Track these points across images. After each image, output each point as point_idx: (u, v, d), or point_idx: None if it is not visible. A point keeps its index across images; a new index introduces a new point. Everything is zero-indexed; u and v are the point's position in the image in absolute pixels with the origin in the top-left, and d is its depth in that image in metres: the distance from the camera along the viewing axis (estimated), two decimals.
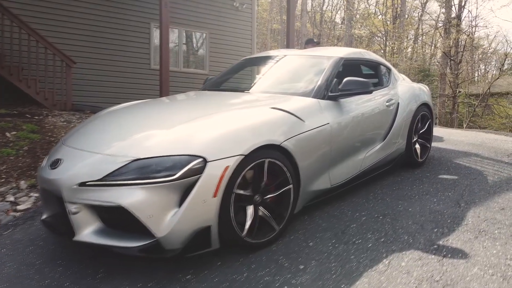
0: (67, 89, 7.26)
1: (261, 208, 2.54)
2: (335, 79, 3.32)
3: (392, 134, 3.83)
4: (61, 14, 7.89)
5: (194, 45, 10.05)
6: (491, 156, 5.15)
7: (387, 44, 18.55)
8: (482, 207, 3.19)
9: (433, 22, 21.94)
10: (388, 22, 24.02)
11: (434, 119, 4.68)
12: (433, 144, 5.76)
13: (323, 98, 3.15)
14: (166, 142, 2.33)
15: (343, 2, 29.19)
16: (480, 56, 25.95)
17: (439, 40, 20.95)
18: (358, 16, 28.07)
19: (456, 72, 16.33)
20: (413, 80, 21.47)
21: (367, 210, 3.13)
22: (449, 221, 2.90)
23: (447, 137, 6.82)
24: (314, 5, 34.34)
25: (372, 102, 3.61)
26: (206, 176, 2.21)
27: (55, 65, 7.10)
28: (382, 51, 20.94)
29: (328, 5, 34.35)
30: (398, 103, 4.00)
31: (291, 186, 2.66)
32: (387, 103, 3.79)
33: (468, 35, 16.66)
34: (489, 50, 25.02)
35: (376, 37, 23.87)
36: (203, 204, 2.21)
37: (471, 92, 19.96)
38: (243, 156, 2.34)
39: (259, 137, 2.47)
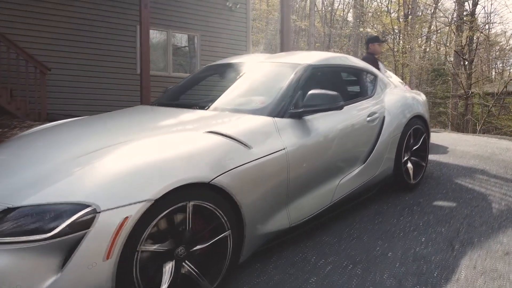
0: (41, 98, 6.80)
1: (186, 263, 1.97)
2: (300, 92, 2.73)
3: (375, 155, 3.22)
4: (34, 18, 7.40)
5: (185, 48, 9.52)
6: (500, 173, 4.47)
7: (396, 43, 17.72)
8: (481, 250, 2.56)
9: (446, 19, 21.00)
10: (401, 20, 23.15)
11: (430, 132, 4.03)
12: (435, 157, 5.10)
13: (281, 116, 2.56)
14: (48, 184, 1.78)
15: (353, 0, 28.38)
16: (498, 53, 24.88)
17: (452, 38, 20.04)
18: (370, 14, 27.22)
19: (469, 71, 15.44)
20: (425, 81, 20.58)
21: (336, 255, 2.52)
22: (435, 273, 2.28)
23: (453, 147, 6.13)
24: (326, 3, 33.64)
25: (348, 117, 3.00)
26: (95, 231, 1.65)
27: (28, 72, 6.64)
28: (392, 51, 20.10)
29: (339, 4, 33.56)
30: (384, 116, 3.37)
31: (228, 232, 2.09)
32: (368, 118, 3.17)
33: (481, 32, 15.75)
34: (507, 47, 23.96)
35: (386, 36, 22.99)
36: (91, 269, 1.65)
37: (487, 91, 19.02)
38: (151, 202, 1.77)
39: (179, 174, 1.90)
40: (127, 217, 1.71)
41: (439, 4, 23.84)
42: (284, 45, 8.30)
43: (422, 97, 4.08)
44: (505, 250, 2.56)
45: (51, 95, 7.15)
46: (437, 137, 7.88)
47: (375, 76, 3.63)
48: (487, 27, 21.34)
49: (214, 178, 2.01)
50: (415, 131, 3.70)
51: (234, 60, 3.46)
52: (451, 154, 5.52)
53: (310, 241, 2.71)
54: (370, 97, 3.43)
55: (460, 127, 16.62)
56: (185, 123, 2.55)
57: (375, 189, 3.38)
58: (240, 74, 3.20)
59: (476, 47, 15.50)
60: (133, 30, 8.43)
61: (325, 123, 2.78)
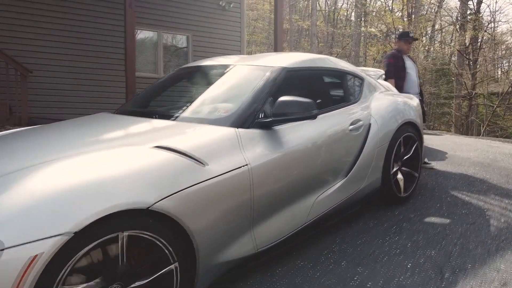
0: (22, 101, 6.53)
1: None
2: (270, 99, 2.42)
3: (359, 167, 2.90)
4: (14, 18, 7.10)
5: (176, 48, 9.23)
6: (501, 183, 4.13)
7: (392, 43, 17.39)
8: (474, 279, 2.24)
9: (450, 18, 20.57)
10: (405, 19, 22.71)
11: (423, 140, 3.70)
12: (432, 164, 4.77)
13: (247, 127, 2.26)
14: None
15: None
16: (504, 52, 24.37)
17: (456, 37, 19.60)
18: (373, 13, 26.76)
19: (472, 71, 15.02)
20: (429, 81, 20.14)
21: (308, 286, 2.21)
22: None
23: (452, 153, 5.79)
24: (329, 3, 33.31)
25: (326, 127, 2.68)
26: None
27: (8, 74, 6.37)
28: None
29: (343, 3, 33.11)
30: (370, 124, 3.06)
31: (174, 266, 1.79)
32: (351, 127, 2.86)
33: (485, 31, 15.32)
34: None
35: (385, 35, 22.58)
36: None
37: (492, 91, 18.57)
38: (70, 236, 1.48)
39: (110, 200, 1.60)
40: (36, 255, 1.41)
41: (443, 3, 23.40)
42: (278, 46, 8.00)
43: (414, 101, 3.75)
44: (502, 279, 2.23)
45: (33, 98, 6.88)
46: (438, 140, 7.54)
47: (361, 79, 3.31)
48: (492, 26, 20.88)
49: (155, 203, 1.70)
50: (406, 139, 3.37)
51: (204, 62, 3.15)
52: (449, 161, 5.19)
53: (281, 266, 2.40)
54: (355, 102, 3.11)
55: (464, 128, 16.21)
56: (135, 136, 2.25)
57: (358, 206, 3.07)
58: (208, 79, 2.90)
59: (480, 46, 15.06)
60: (121, 31, 8.14)
61: (299, 134, 2.47)
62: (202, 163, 1.95)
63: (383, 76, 7.18)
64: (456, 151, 6.03)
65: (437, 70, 20.71)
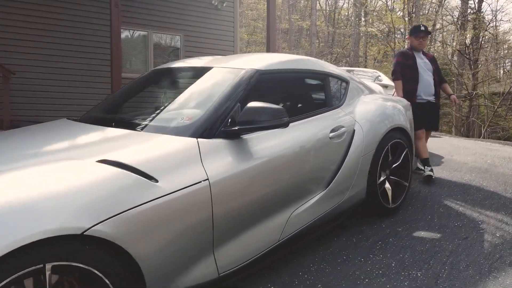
0: (4, 104, 6.32)
1: None
2: (238, 105, 2.20)
3: (341, 177, 2.67)
4: None
5: (167, 49, 9.01)
6: (498, 191, 3.89)
7: (397, 42, 17.05)
8: None
9: (451, 18, 20.28)
10: (406, 19, 22.42)
11: (414, 146, 3.46)
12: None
13: (210, 136, 2.03)
14: None
15: None
16: (506, 52, 24.06)
17: (457, 37, 19.33)
18: (375, 13, 26.47)
19: (472, 71, 14.74)
20: None
21: None
22: None
23: (449, 157, 5.55)
24: (330, 2, 33.11)
25: (303, 135, 2.44)
26: None
27: None
28: (393, 51, 19.42)
29: (344, 2, 32.83)
30: (354, 130, 2.83)
31: None
32: (332, 134, 2.62)
33: (485, 30, 15.04)
34: None
35: (385, 35, 22.31)
36: None
37: (494, 91, 18.27)
38: None
39: (32, 225, 1.37)
40: None
41: (445, 2, 23.10)
42: (271, 45, 7.77)
43: (404, 105, 3.51)
44: None
45: (15, 100, 6.66)
46: (436, 143, 7.29)
47: (346, 82, 3.08)
48: (493, 25, 20.60)
49: (91, 227, 1.48)
50: (395, 146, 3.14)
51: (175, 64, 2.92)
52: (445, 166, 4.94)
53: None
54: (338, 107, 2.88)
55: (464, 130, 15.93)
56: (82, 147, 2.02)
57: (341, 219, 2.84)
58: (177, 82, 2.68)
59: (480, 46, 14.79)
60: (107, 30, 7.93)
61: (272, 143, 2.24)
62: (152, 179, 1.73)
63: (379, 77, 6.95)
64: (453, 155, 5.79)
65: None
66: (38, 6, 7.19)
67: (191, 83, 2.55)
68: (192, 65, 2.77)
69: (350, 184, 2.76)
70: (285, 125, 2.11)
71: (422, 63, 4.15)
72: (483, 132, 15.36)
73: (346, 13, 31.54)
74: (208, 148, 1.98)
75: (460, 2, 17.18)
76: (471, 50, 15.14)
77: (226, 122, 2.11)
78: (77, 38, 7.51)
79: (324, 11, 33.79)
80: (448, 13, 19.87)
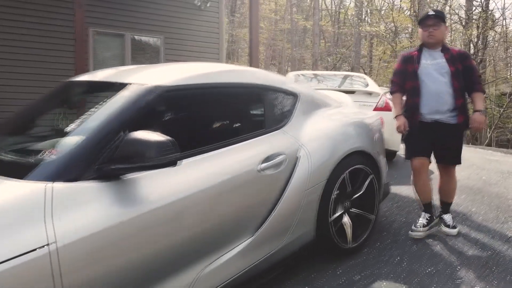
0: None
1: None
2: (121, 135, 1.68)
3: (276, 218, 2.13)
4: None
5: (147, 52, 8.52)
6: (488, 220, 3.32)
7: (398, 42, 16.36)
8: None
9: (457, 17, 19.50)
10: (413, 18, 21.69)
11: (383, 171, 2.90)
12: (408, 191, 3.97)
13: (74, 178, 1.52)
14: None
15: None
16: None
17: (459, 36, 18.59)
18: (383, 11, 25.70)
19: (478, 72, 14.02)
20: None
21: None
22: None
23: None
24: (336, 2, 32.56)
25: (220, 167, 1.91)
26: None
27: None
28: (395, 52, 18.74)
29: (350, 2, 32.13)
30: (298, 157, 2.29)
31: None
32: (263, 165, 2.08)
33: (491, 28, 14.32)
34: None
35: (393, 34, 21.58)
36: None
37: (503, 91, 17.47)
38: None
39: None
40: None
41: (452, 1, 22.28)
42: (253, 53, 7.27)
43: (371, 122, 2.96)
44: None
45: None
46: None
47: (295, 96, 2.53)
48: (502, 24, 19.79)
49: None
50: (355, 173, 2.59)
51: (81, 77, 2.39)
52: (434, 185, 4.36)
53: None
54: (279, 128, 2.33)
55: (470, 134, 15.18)
56: None
57: (281, 268, 2.30)
58: (71, 100, 2.17)
59: (485, 46, 14.08)
60: (85, 34, 7.46)
61: (169, 183, 1.71)
62: None
63: (365, 81, 6.32)
64: None
65: None
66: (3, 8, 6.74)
67: (85, 103, 2.04)
68: (93, 79, 2.25)
69: (291, 225, 2.23)
70: (171, 164, 1.58)
71: (432, 65, 2.90)
72: (488, 136, 14.62)
73: (352, 13, 30.83)
74: (63, 197, 1.46)
75: (465, 0, 16.45)
76: (476, 50, 14.41)
77: (101, 158, 1.60)
78: (38, 41, 7.00)
79: (330, 11, 33.22)
80: (454, 12, 19.10)
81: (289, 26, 29.48)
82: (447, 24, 21.21)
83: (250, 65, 7.19)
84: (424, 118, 2.92)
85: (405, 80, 2.99)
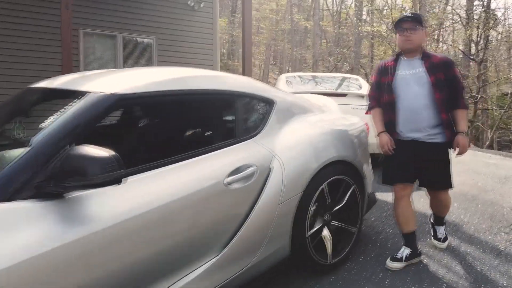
0: None
1: None
2: (67, 148, 1.54)
3: (245, 234, 1.98)
4: None
5: (139, 53, 8.39)
6: (480, 231, 3.17)
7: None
8: None
9: (458, 17, 19.28)
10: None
11: (367, 181, 2.75)
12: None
13: (8, 198, 1.38)
14: None
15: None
16: None
17: (458, 36, 18.36)
18: (385, 11, 25.48)
19: (478, 73, 13.79)
20: None
21: None
22: None
23: None
24: (337, 2, 32.42)
25: (181, 181, 1.77)
26: None
27: None
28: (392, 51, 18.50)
29: (352, 2, 31.95)
30: (271, 168, 2.14)
31: None
32: (230, 178, 1.93)
33: (491, 28, 14.09)
34: None
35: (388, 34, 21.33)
36: None
37: (505, 92, 17.23)
38: None
39: None
40: None
41: (454, 0, 22.04)
42: (246, 55, 7.12)
43: (354, 129, 2.80)
44: None
45: None
46: None
47: (270, 103, 2.37)
48: (504, 24, 19.53)
49: None
50: (335, 184, 2.44)
51: (40, 84, 2.25)
52: (424, 193, 4.21)
53: None
54: (251, 138, 2.18)
55: (471, 136, 14.97)
56: None
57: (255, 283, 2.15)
58: (28, 109, 2.03)
59: (485, 46, 13.85)
60: (75, 35, 7.34)
61: (122, 201, 1.57)
62: None
63: (358, 83, 6.14)
64: None
65: None
66: None
67: (41, 111, 1.90)
68: (51, 86, 2.10)
69: (263, 241, 2.08)
70: (115, 182, 1.43)
71: (410, 76, 2.53)
72: (489, 137, 14.41)
73: (352, 13, 30.61)
74: None
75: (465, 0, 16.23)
76: (476, 51, 14.19)
77: (45, 174, 1.46)
78: (37, 43, 6.91)
79: (331, 11, 33.09)
80: (455, 12, 18.87)
81: (289, 26, 29.34)
82: (449, 24, 20.98)
83: (243, 68, 7.04)
84: (402, 137, 2.56)
85: (382, 93, 2.63)
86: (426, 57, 2.55)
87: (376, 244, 2.92)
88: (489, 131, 14.55)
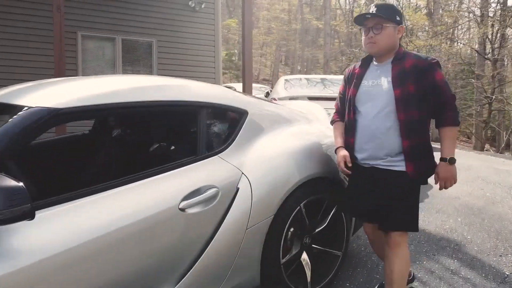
0: None
1: None
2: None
3: (205, 264, 1.75)
4: None
5: (139, 56, 8.22)
6: (483, 252, 2.87)
7: (409, 41, 15.68)
8: None
9: (472, 15, 18.71)
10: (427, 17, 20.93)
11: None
12: None
13: None
14: None
15: None
16: None
17: (473, 35, 17.79)
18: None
19: (492, 72, 13.28)
20: (453, 84, 18.24)
21: None
22: None
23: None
24: (350, 1, 32.06)
25: (128, 206, 1.55)
26: None
27: None
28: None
29: (364, 0, 31.49)
30: (237, 189, 1.90)
31: None
32: (185, 202, 1.70)
33: (507, 26, 13.53)
34: None
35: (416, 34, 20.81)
36: None
37: None
38: None
39: None
40: None
41: None
42: (246, 56, 6.87)
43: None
44: None
45: None
46: None
47: (240, 114, 2.13)
48: None
49: None
50: (314, 204, 2.19)
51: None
52: (426, 205, 3.93)
53: None
54: (216, 154, 1.95)
55: (485, 138, 14.47)
56: None
57: None
58: None
59: (501, 44, 13.32)
60: (73, 38, 7.22)
61: (56, 231, 1.36)
62: None
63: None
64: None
65: (461, 71, 18.89)
66: None
67: None
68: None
69: (226, 272, 1.84)
70: (26, 216, 1.22)
71: (373, 87, 1.97)
72: (505, 139, 13.88)
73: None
74: None
75: None
76: (492, 49, 13.67)
77: None
78: (31, 47, 6.81)
79: (343, 10, 32.72)
80: (470, 10, 18.30)
81: (300, 26, 29.03)
82: (463, 22, 20.37)
83: (243, 68, 6.80)
84: (361, 163, 2.02)
85: (345, 109, 2.11)
86: (396, 62, 1.93)
87: (366, 267, 2.66)
88: (504, 132, 14.01)
